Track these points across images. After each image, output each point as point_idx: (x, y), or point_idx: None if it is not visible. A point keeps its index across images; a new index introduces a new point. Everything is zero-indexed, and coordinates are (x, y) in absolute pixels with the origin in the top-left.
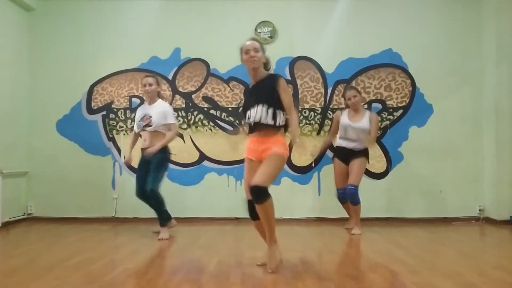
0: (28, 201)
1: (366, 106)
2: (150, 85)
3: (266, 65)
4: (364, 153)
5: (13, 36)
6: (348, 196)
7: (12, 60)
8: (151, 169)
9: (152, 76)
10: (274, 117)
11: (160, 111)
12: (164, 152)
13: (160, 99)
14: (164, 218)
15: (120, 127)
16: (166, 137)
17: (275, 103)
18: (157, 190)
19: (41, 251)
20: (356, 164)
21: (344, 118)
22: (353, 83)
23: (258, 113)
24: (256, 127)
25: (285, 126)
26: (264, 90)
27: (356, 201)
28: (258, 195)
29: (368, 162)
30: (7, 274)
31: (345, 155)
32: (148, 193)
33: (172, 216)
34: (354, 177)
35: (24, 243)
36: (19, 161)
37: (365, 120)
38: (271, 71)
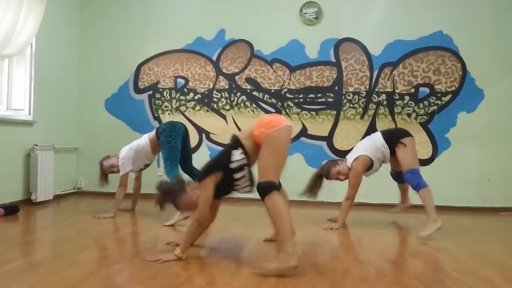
0: (77, 176)
1: (413, 90)
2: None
3: None
4: None
5: (64, 17)
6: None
7: (63, 40)
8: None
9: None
10: None
11: None
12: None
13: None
14: None
15: (166, 106)
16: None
17: None
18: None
19: (90, 223)
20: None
21: None
22: (400, 66)
23: None
24: None
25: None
26: None
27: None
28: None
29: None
30: (58, 243)
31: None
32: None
33: None
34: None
35: (74, 215)
36: (69, 137)
37: None
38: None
